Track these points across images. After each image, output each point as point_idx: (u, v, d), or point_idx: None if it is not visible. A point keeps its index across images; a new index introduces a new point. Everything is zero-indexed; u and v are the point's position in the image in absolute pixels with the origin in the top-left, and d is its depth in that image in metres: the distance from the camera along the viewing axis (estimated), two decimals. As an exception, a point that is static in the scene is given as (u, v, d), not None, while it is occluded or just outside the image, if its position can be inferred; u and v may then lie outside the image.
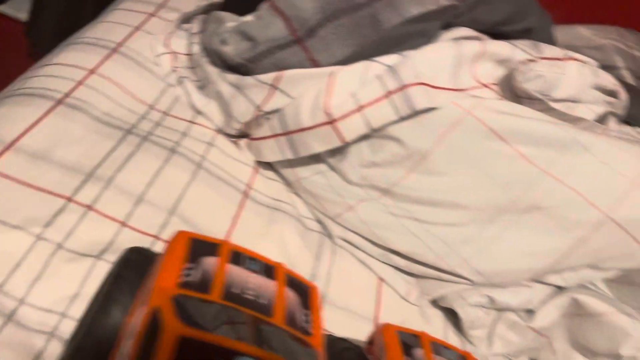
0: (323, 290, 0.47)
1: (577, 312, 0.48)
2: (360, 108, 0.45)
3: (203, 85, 0.57)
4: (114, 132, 0.48)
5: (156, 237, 0.42)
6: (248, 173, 0.53)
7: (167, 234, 0.42)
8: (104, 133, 0.47)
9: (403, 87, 0.45)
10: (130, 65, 0.57)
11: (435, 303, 0.51)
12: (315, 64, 0.47)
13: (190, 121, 0.55)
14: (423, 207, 0.48)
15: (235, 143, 0.55)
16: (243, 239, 0.46)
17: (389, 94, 0.45)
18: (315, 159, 0.53)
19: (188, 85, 0.57)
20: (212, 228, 0.45)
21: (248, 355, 0.23)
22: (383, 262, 0.51)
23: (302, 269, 0.47)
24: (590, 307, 0.47)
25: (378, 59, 0.47)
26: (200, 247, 0.29)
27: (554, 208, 0.46)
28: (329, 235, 0.52)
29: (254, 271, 0.29)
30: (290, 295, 0.29)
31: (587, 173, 0.45)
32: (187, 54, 0.60)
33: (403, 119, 0.46)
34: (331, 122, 0.46)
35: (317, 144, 0.47)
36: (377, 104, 0.45)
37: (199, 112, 0.56)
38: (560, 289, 0.50)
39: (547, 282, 0.49)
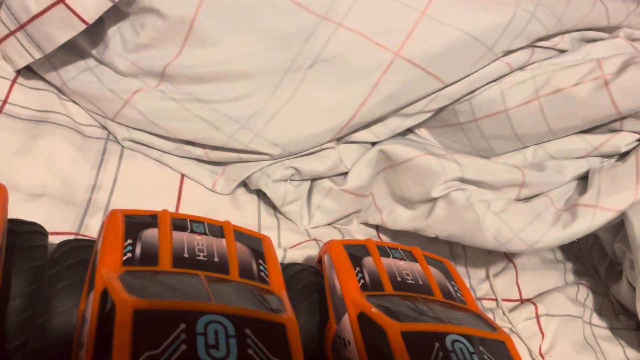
0: (106, 200, 0.41)
1: (388, 164, 0.46)
2: (89, -23, 0.37)
3: None
4: None
5: None
6: (4, 86, 0.44)
7: None
8: None
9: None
10: None
11: (247, 187, 0.47)
12: None
13: None
14: (204, 84, 0.43)
15: (-15, 55, 0.46)
16: (-7, 162, 0.39)
17: (119, -47, 0.37)
18: (79, 54, 0.45)
19: None
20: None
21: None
22: (180, 156, 0.46)
23: (80, 182, 0.41)
24: (397, 155, 0.44)
25: None
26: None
27: (340, 57, 0.41)
28: (115, 139, 0.45)
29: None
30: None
31: (369, 12, 0.41)
32: None
33: (149, -17, 0.39)
34: (61, 0, 0.38)
35: (59, 32, 0.39)
36: (109, -31, 0.37)
37: None
38: (374, 145, 0.47)
39: (358, 140, 0.46)
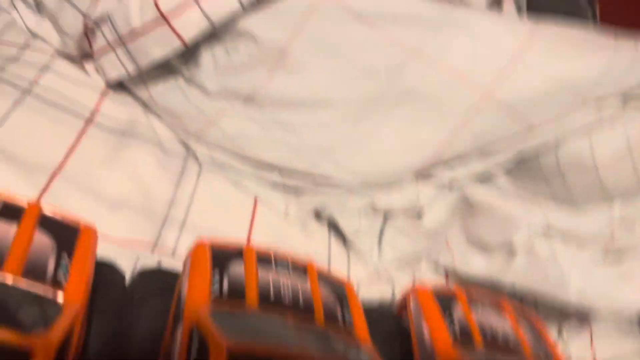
0: (183, 217, 0.41)
1: (468, 206, 0.44)
2: (194, -1, 0.38)
3: (40, 7, 0.49)
4: None
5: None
6: (94, 98, 0.46)
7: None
8: None
9: (241, -31, 0.38)
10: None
11: (319, 216, 0.46)
12: (138, -48, 0.40)
13: (22, 46, 0.47)
14: (289, 110, 0.43)
15: (80, 66, 0.48)
16: (81, 170, 0.40)
17: (225, -22, 0.38)
18: (169, 71, 0.46)
19: (19, 4, 0.49)
20: (38, 159, 0.38)
21: None
22: (257, 179, 0.46)
23: (160, 196, 0.42)
24: (480, 198, 0.43)
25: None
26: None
27: (429, 92, 0.41)
28: (195, 157, 0.46)
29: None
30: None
31: (463, 51, 0.40)
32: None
33: (248, 8, 0.39)
34: (164, 18, 0.39)
35: (156, 48, 0.41)
36: (214, -8, 0.38)
37: (34, 35, 0.48)
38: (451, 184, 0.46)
39: (437, 178, 0.45)
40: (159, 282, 0.28)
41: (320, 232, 0.46)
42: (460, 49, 0.40)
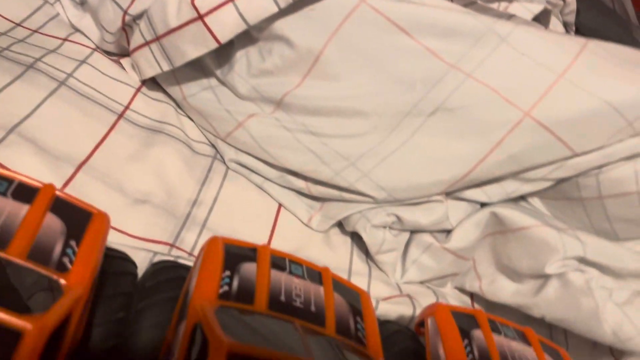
0: (204, 217, 0.41)
1: (499, 229, 0.42)
2: (231, -2, 0.38)
3: (84, 2, 0.50)
4: (-43, 47, 0.41)
5: (-16, 156, 0.35)
6: (128, 94, 0.46)
7: (1, 154, 0.35)
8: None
9: (280, -30, 0.37)
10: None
11: (342, 228, 0.45)
12: (179, -50, 0.40)
13: (64, 39, 0.48)
14: (319, 118, 0.42)
15: (117, 62, 0.48)
16: (108, 163, 0.40)
17: (264, -21, 0.38)
18: (204, 72, 0.46)
19: (64, 0, 0.50)
20: (66, 149, 0.39)
21: None
22: (282, 186, 0.45)
23: (183, 195, 0.41)
24: (511, 221, 0.41)
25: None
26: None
27: (465, 108, 0.39)
28: (222, 159, 0.45)
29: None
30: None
31: (504, 67, 0.39)
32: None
33: (285, 10, 0.39)
34: (200, 17, 0.39)
35: (191, 47, 0.40)
36: (251, -8, 0.38)
37: (76, 30, 0.49)
38: (484, 206, 0.44)
39: (468, 198, 0.43)
40: (171, 273, 0.27)
41: (343, 245, 0.44)
42: (500, 65, 0.39)
